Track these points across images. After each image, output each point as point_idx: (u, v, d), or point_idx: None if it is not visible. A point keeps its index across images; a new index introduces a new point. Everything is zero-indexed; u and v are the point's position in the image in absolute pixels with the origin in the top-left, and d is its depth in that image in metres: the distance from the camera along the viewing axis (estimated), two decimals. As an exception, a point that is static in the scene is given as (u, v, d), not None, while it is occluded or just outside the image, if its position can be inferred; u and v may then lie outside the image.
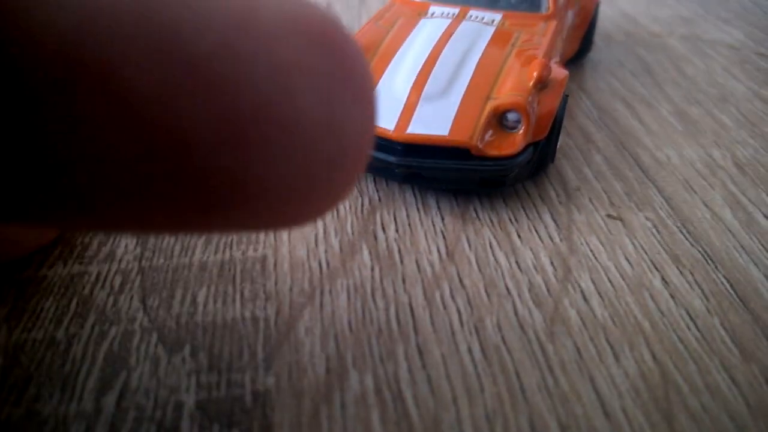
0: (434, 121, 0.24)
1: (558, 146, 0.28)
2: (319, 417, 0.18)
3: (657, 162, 0.28)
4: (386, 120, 0.24)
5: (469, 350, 0.19)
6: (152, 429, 0.17)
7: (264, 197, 0.11)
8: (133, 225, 0.11)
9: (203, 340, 0.20)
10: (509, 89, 0.24)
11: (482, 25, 0.28)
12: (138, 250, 0.23)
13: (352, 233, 0.24)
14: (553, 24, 0.29)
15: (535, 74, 0.24)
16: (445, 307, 0.21)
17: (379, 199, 0.26)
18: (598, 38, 0.39)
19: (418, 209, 0.25)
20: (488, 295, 0.21)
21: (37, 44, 0.08)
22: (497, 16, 0.29)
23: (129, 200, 0.10)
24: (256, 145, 0.10)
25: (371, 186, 0.26)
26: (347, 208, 0.25)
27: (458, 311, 0.21)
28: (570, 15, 0.32)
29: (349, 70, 0.11)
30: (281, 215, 0.11)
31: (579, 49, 0.35)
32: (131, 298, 0.21)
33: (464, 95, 0.24)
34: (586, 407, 0.18)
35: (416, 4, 0.30)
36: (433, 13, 0.29)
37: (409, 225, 0.24)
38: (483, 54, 0.26)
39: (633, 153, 0.29)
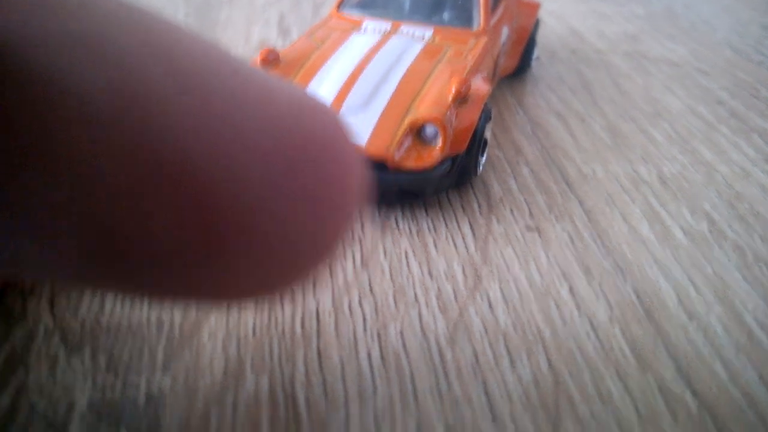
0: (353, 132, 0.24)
1: (486, 159, 0.28)
2: (209, 417, 0.18)
3: (582, 175, 0.29)
4: (307, 129, 0.24)
5: (369, 355, 0.20)
6: (41, 428, 0.17)
7: (218, 294, 0.10)
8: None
9: (105, 342, 0.20)
10: (428, 104, 0.24)
11: (412, 40, 0.28)
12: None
13: (271, 240, 0.24)
14: (483, 41, 0.29)
15: (453, 89, 0.24)
16: (351, 314, 0.21)
17: (303, 207, 0.26)
18: (542, 54, 0.40)
19: (339, 217, 0.25)
20: (396, 303, 0.22)
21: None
22: (428, 32, 0.29)
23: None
24: (222, 255, 0.09)
25: (297, 194, 0.27)
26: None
27: (364, 318, 0.21)
28: (505, 31, 0.32)
29: (339, 188, 0.10)
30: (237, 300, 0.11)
31: (518, 66, 0.36)
32: (40, 299, 0.21)
33: (385, 109, 0.25)
34: (475, 411, 0.18)
35: (351, 20, 0.31)
36: (365, 29, 0.30)
37: (329, 233, 0.25)
38: (409, 69, 0.26)
39: (560, 166, 0.29)
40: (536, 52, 0.38)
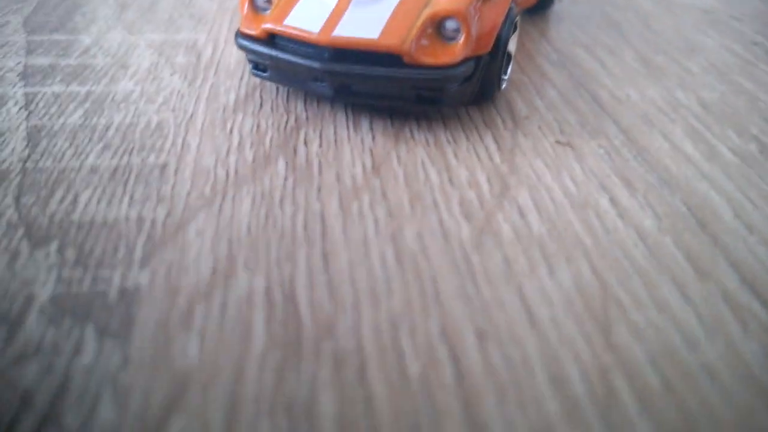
0: (364, 25, 0.21)
1: (508, 77, 0.26)
2: (193, 315, 0.15)
3: (616, 99, 0.26)
4: (311, 24, 0.22)
5: (382, 257, 0.17)
6: (-8, 321, 0.14)
7: None
8: None
9: (75, 237, 0.17)
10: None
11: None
12: (26, 152, 0.21)
13: (270, 146, 0.21)
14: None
15: (478, -19, 0.22)
16: (361, 217, 0.18)
17: (307, 118, 0.23)
18: (564, -4, 0.37)
19: (347, 127, 0.23)
20: (412, 207, 0.19)
21: None
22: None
23: None
24: None
25: (300, 105, 0.24)
26: (268, 123, 0.23)
27: (375, 221, 0.18)
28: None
29: None
30: None
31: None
32: (5, 196, 0.19)
33: (399, 3, 0.22)
34: (510, 315, 0.15)
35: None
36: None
37: (335, 141, 0.22)
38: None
39: (591, 90, 0.26)
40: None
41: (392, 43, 0.21)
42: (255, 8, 0.23)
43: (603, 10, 0.36)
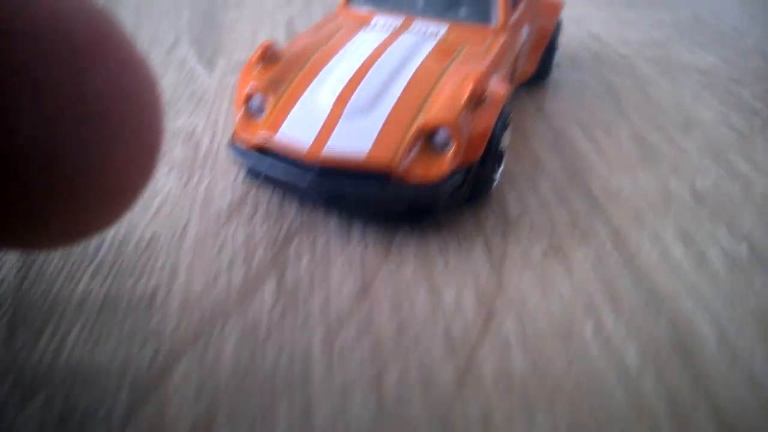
0: (355, 137, 0.21)
1: (503, 170, 0.26)
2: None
3: (608, 192, 0.26)
4: (303, 137, 0.22)
5: (364, 405, 0.17)
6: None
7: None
8: None
9: (61, 387, 0.17)
10: (440, 106, 0.22)
11: (424, 37, 0.26)
12: (21, 273, 0.21)
13: (260, 264, 0.22)
14: (501, 38, 0.26)
15: (468, 89, 0.22)
16: (344, 357, 0.19)
17: (300, 223, 0.23)
18: (563, 59, 0.37)
19: (340, 237, 0.23)
20: (396, 342, 0.19)
21: None
22: (443, 28, 0.27)
23: None
24: None
25: (294, 210, 0.24)
26: (263, 230, 0.23)
27: (361, 361, 0.18)
28: (525, 32, 0.29)
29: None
30: None
31: (537, 71, 0.33)
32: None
33: (391, 111, 0.22)
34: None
35: (360, 15, 0.28)
36: (375, 25, 0.27)
37: (328, 252, 0.22)
38: (419, 68, 0.24)
39: (584, 181, 0.26)
40: (557, 58, 0.35)
41: (381, 162, 0.21)
42: (250, 113, 0.23)
43: (601, 76, 0.36)
